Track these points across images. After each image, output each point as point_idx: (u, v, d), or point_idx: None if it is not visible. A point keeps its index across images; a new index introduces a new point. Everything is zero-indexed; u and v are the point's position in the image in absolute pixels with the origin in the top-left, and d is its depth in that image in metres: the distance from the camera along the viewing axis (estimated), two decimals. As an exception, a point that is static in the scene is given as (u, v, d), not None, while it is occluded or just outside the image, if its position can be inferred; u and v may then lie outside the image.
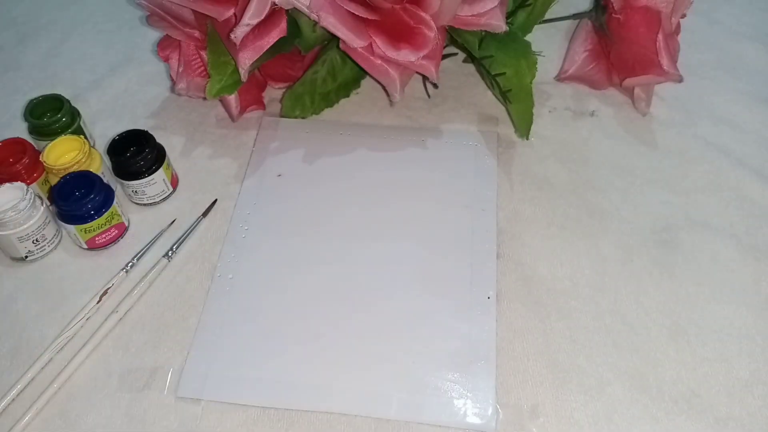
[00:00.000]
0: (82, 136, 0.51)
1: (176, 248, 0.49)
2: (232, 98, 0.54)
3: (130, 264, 0.48)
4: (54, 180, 0.49)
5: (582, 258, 0.48)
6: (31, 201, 0.46)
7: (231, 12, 0.49)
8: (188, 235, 0.50)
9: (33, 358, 0.44)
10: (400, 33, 0.49)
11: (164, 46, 0.56)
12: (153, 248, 0.49)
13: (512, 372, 0.42)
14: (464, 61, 0.62)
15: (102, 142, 0.55)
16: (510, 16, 0.54)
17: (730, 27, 0.64)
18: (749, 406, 0.41)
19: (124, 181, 0.51)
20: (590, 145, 0.55)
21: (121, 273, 0.48)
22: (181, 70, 0.55)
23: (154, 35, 0.64)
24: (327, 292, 0.46)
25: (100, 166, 0.50)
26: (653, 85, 0.56)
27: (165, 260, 0.48)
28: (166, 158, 0.51)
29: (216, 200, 0.52)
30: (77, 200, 0.47)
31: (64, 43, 0.67)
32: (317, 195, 0.52)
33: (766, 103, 0.58)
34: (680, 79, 0.52)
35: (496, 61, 0.53)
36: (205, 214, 0.51)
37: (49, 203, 0.49)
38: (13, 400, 0.42)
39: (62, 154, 0.49)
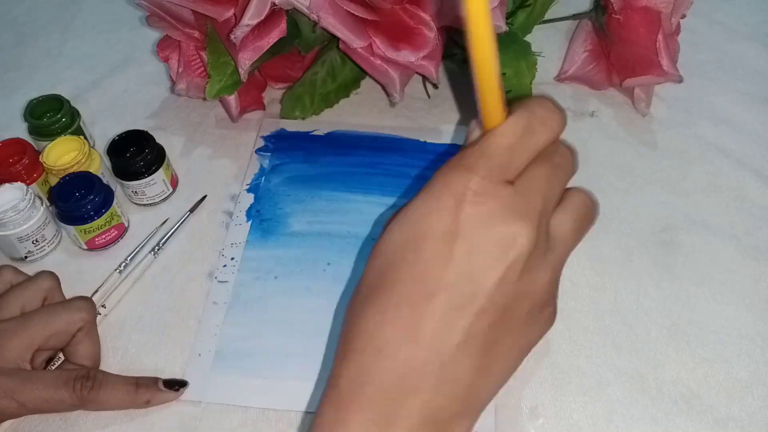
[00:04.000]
0: (81, 137, 0.51)
1: (163, 244, 0.49)
2: (232, 99, 0.54)
3: (123, 264, 0.48)
4: (54, 180, 0.49)
5: (581, 258, 0.48)
6: (31, 201, 0.46)
7: (231, 12, 0.49)
8: (176, 230, 0.50)
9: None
10: (400, 33, 0.49)
11: (164, 47, 0.56)
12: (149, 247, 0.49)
13: (512, 372, 0.42)
14: (464, 61, 0.62)
15: (102, 143, 0.55)
16: (510, 16, 0.54)
17: (730, 27, 0.64)
18: (749, 407, 0.41)
19: (123, 182, 0.51)
20: (590, 145, 0.55)
21: (115, 273, 0.48)
22: (180, 70, 0.55)
23: (153, 35, 0.64)
24: (328, 292, 0.46)
25: (100, 166, 0.50)
26: (653, 86, 0.56)
27: (151, 256, 0.48)
28: (166, 158, 0.51)
29: (206, 196, 0.52)
30: (77, 201, 0.47)
31: (63, 44, 0.67)
32: (317, 196, 0.52)
33: (766, 104, 0.58)
34: (680, 80, 0.52)
35: (495, 61, 0.53)
36: (192, 209, 0.51)
37: (48, 204, 0.49)
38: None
39: (62, 155, 0.49)
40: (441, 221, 0.27)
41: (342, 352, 0.29)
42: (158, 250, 0.49)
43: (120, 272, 0.48)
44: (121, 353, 0.44)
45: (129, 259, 0.48)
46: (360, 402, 0.27)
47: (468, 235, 0.27)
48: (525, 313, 0.29)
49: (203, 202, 0.52)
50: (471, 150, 0.28)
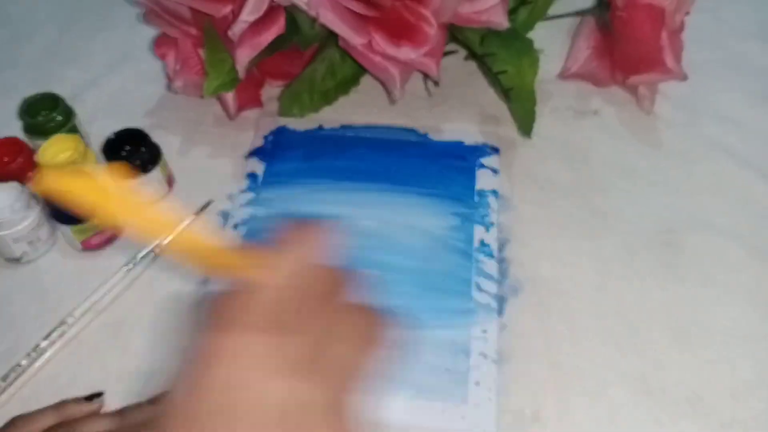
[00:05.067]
0: (77, 135, 0.51)
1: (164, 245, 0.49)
2: (230, 96, 0.54)
3: (133, 262, 0.48)
4: (49, 179, 0.48)
5: (584, 259, 0.47)
6: (26, 201, 0.46)
7: (228, 9, 0.49)
8: (178, 233, 0.49)
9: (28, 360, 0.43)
10: (401, 30, 0.49)
11: (161, 44, 0.55)
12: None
13: (514, 374, 0.42)
14: (465, 58, 0.61)
15: (98, 141, 0.54)
16: (512, 13, 0.53)
17: (735, 25, 0.64)
18: (753, 409, 0.40)
19: (120, 181, 0.50)
20: (593, 144, 0.55)
21: (123, 269, 0.47)
22: (178, 68, 0.54)
23: (150, 33, 0.63)
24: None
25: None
26: (657, 84, 0.55)
27: (151, 254, 0.48)
28: (162, 157, 0.51)
29: (210, 201, 0.51)
30: (72, 200, 0.46)
31: (60, 41, 0.67)
32: (316, 195, 0.51)
33: (771, 102, 0.57)
34: (684, 78, 0.52)
35: (497, 58, 0.52)
36: (197, 213, 0.51)
37: (44, 203, 0.49)
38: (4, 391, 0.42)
39: (57, 154, 0.49)
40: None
41: None
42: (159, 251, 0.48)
43: (129, 269, 0.47)
44: (121, 353, 0.44)
45: (140, 257, 0.48)
46: None
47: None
48: None
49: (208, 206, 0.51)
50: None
